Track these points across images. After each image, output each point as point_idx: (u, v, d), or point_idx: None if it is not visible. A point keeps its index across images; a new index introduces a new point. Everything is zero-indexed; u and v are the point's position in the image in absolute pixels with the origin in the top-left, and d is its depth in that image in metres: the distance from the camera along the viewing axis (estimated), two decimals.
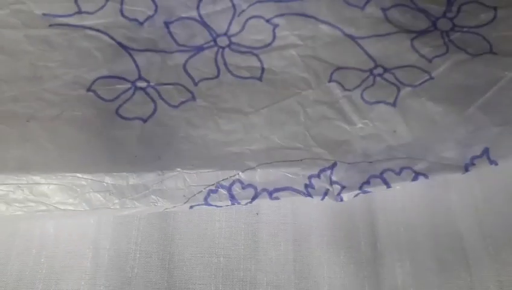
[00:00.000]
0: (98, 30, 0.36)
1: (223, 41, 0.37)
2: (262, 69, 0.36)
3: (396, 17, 0.38)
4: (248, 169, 0.31)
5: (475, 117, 0.32)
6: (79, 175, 0.30)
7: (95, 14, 0.37)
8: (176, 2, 0.38)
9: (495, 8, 0.38)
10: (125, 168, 0.30)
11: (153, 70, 0.35)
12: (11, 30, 0.35)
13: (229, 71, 0.36)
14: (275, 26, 0.38)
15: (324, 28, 0.38)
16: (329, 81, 0.35)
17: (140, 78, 0.35)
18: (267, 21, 0.38)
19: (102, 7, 0.37)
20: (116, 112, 0.33)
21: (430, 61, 0.35)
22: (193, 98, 0.34)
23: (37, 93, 0.33)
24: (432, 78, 0.35)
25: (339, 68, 0.36)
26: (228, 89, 0.35)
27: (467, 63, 0.35)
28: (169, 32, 0.37)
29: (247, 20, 0.38)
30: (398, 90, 0.34)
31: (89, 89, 0.34)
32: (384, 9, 0.38)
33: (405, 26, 0.38)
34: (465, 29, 0.37)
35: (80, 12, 0.37)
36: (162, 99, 0.34)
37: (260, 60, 0.36)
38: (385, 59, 0.36)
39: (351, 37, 0.37)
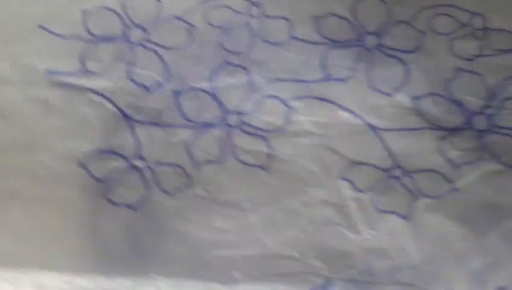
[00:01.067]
0: (102, 95, 0.34)
1: (233, 119, 0.35)
2: (271, 157, 0.33)
3: (428, 108, 0.34)
4: (232, 282, 0.28)
5: (496, 247, 0.28)
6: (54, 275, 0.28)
7: (100, 76, 0.35)
8: (189, 70, 0.36)
9: None
10: (102, 268, 0.28)
11: (153, 147, 0.34)
12: (9, 87, 0.34)
13: (235, 155, 0.34)
14: (291, 109, 0.35)
15: (344, 115, 0.35)
16: (340, 177, 0.32)
17: (138, 155, 0.33)
18: (284, 103, 0.35)
19: (109, 68, 0.35)
20: (105, 195, 0.31)
21: (457, 168, 0.31)
22: (191, 185, 0.32)
23: (26, 166, 0.32)
24: (455, 190, 0.31)
25: (353, 163, 0.33)
26: (230, 177, 0.33)
27: (499, 175, 0.31)
28: (178, 104, 0.35)
29: (262, 98, 0.35)
30: (414, 200, 0.31)
31: (80, 164, 0.32)
32: (415, 99, 0.34)
33: (435, 121, 0.33)
34: (503, 131, 0.32)
35: (84, 71, 0.35)
36: (157, 184, 0.32)
37: (269, 146, 0.34)
38: (406, 158, 0.33)
39: (373, 128, 0.34)
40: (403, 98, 0.35)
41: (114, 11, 0.36)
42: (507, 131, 0.32)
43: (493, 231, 0.29)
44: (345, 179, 0.32)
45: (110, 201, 0.31)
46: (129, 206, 0.31)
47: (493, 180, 0.30)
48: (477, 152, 0.32)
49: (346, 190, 0.32)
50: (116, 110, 0.34)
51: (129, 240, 0.30)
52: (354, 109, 0.35)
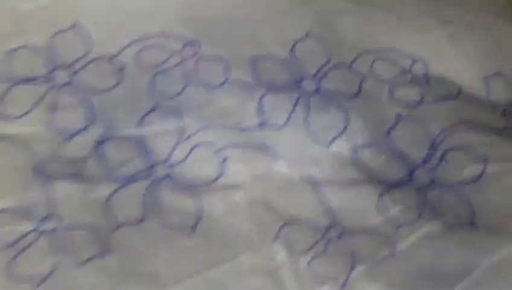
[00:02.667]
0: (15, 143, 0.30)
1: (160, 171, 0.31)
2: (198, 216, 0.30)
3: (367, 159, 0.32)
4: None
5: None
6: None
7: (17, 121, 0.31)
8: (116, 115, 0.32)
9: (485, 161, 0.31)
10: None
11: (67, 207, 0.29)
12: None
13: (158, 214, 0.30)
14: (224, 159, 0.32)
15: (281, 165, 0.32)
16: (275, 239, 0.29)
17: (49, 216, 0.29)
18: (217, 151, 0.32)
19: (27, 113, 0.31)
20: (7, 267, 0.27)
21: (396, 228, 0.29)
22: (104, 252, 0.29)
23: None
24: (394, 255, 0.28)
25: (289, 223, 0.30)
26: (149, 242, 0.29)
27: (440, 238, 0.29)
28: (100, 154, 0.31)
29: (194, 147, 0.32)
30: (352, 266, 0.28)
31: None
32: (354, 149, 0.32)
33: (375, 174, 0.31)
34: (445, 186, 0.30)
35: (3, 116, 0.31)
36: (67, 251, 0.28)
37: (197, 203, 0.30)
38: (345, 216, 0.30)
39: (310, 181, 0.31)
40: (341, 148, 0.32)
41: (40, 51, 0.33)
42: (448, 186, 0.31)
43: None
44: (278, 241, 0.29)
45: (11, 275, 0.27)
46: (32, 281, 0.27)
47: (432, 244, 0.29)
48: (418, 210, 0.30)
49: (280, 254, 0.29)
50: (30, 162, 0.30)
51: None
52: (290, 159, 0.32)
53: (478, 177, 0.31)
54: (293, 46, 0.35)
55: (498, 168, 0.30)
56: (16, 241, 0.28)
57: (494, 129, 0.32)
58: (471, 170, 0.31)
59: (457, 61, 0.35)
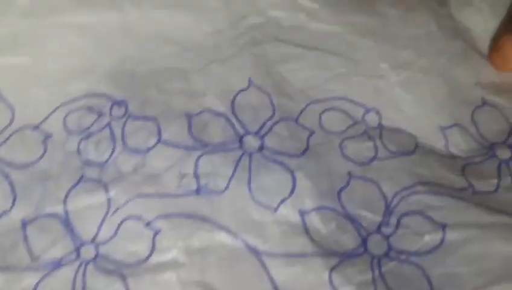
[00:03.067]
0: None
1: (88, 252, 0.28)
2: None
3: (317, 226, 0.29)
4: None
5: None
6: None
7: None
8: (40, 191, 0.29)
9: (444, 227, 0.28)
10: None
11: None
12: None
13: None
14: (156, 231, 0.28)
15: (221, 236, 0.28)
16: None
17: None
18: (147, 224, 0.28)
19: None
20: None
21: None
22: None
23: None
24: None
25: None
26: None
27: None
28: (25, 237, 0.28)
29: (122, 221, 0.28)
30: None
31: None
32: (302, 213, 0.28)
33: (326, 244, 0.28)
34: (403, 257, 0.27)
35: None
36: None
37: (127, 288, 0.26)
38: None
39: (255, 252, 0.28)
40: (289, 213, 0.29)
41: None
42: (405, 257, 0.28)
43: None
44: None
45: None
46: None
47: None
48: (372, 287, 0.27)
49: None
50: None
51: None
52: (232, 227, 0.28)
53: (437, 246, 0.28)
54: (234, 98, 0.31)
55: (458, 235, 0.28)
56: None
57: (454, 190, 0.29)
58: (429, 238, 0.28)
59: (412, 109, 0.32)
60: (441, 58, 0.34)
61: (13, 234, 0.28)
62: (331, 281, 0.27)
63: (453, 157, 0.31)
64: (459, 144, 0.31)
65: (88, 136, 0.31)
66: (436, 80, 0.33)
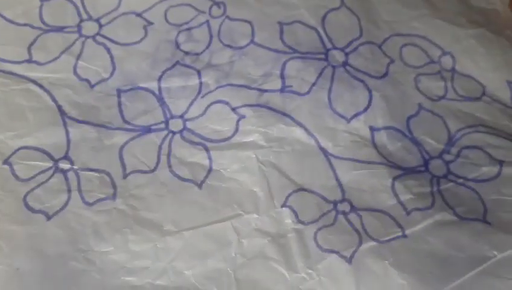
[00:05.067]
0: (41, 86, 0.31)
1: (176, 124, 0.30)
2: (209, 171, 0.29)
3: (385, 143, 0.31)
4: None
5: None
6: None
7: (45, 66, 0.31)
8: (138, 68, 0.32)
9: (501, 163, 0.30)
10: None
11: (83, 149, 0.29)
12: None
13: (169, 166, 0.29)
14: (241, 117, 0.31)
15: (298, 132, 0.31)
16: (283, 205, 0.28)
17: (66, 156, 0.29)
18: (233, 109, 0.31)
19: (55, 59, 0.32)
20: (24, 198, 0.27)
21: (408, 213, 0.28)
22: (114, 195, 0.28)
23: None
24: (404, 236, 0.27)
25: (299, 190, 0.28)
26: (158, 192, 0.28)
27: (452, 227, 0.28)
28: (119, 103, 0.31)
29: (211, 104, 0.31)
30: (360, 242, 0.27)
31: (6, 161, 0.28)
32: (372, 129, 0.31)
33: (391, 158, 0.30)
34: (460, 181, 0.30)
35: (29, 61, 0.31)
36: (79, 191, 0.28)
37: (210, 158, 0.29)
38: (356, 193, 0.29)
39: (325, 152, 0.30)
40: (360, 126, 0.31)
41: (72, 2, 0.33)
42: (462, 181, 0.30)
43: (443, 285, 0.26)
44: (287, 206, 0.28)
45: (26, 205, 0.27)
46: (44, 213, 0.27)
47: (444, 231, 0.28)
48: (430, 199, 0.29)
49: (287, 220, 0.28)
50: (54, 104, 0.30)
51: (30, 256, 0.26)
52: (308, 127, 0.31)
53: (493, 177, 0.30)
54: (325, 15, 0.34)
55: None
56: (34, 177, 0.28)
57: None
58: (487, 169, 0.30)
59: (483, 61, 0.34)
60: (507, 30, 0.36)
61: (108, 100, 0.31)
62: (393, 188, 0.29)
63: None
64: None
65: (186, 30, 0.33)
66: (505, 43, 0.35)
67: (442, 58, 0.34)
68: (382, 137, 0.31)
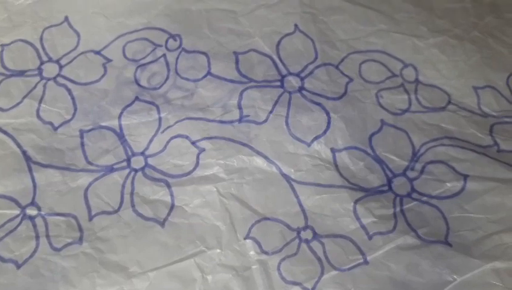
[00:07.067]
0: (5, 132, 0.31)
1: (138, 162, 0.31)
2: (171, 207, 0.29)
3: (347, 163, 0.30)
4: None
5: None
6: None
7: (8, 112, 0.32)
8: (98, 107, 0.32)
9: (465, 177, 0.30)
10: None
11: (49, 194, 0.29)
12: None
13: (133, 205, 0.29)
14: (201, 150, 0.31)
15: (258, 161, 0.31)
16: (246, 236, 0.28)
17: (32, 203, 0.29)
18: (193, 143, 0.31)
19: (18, 104, 0.32)
20: None
21: (370, 237, 0.28)
22: (80, 239, 0.28)
23: None
24: (366, 262, 0.27)
25: (262, 219, 0.29)
26: (122, 233, 0.29)
27: (413, 251, 0.28)
28: (82, 144, 0.31)
29: (171, 139, 0.31)
30: (322, 272, 0.27)
31: None
32: (334, 151, 0.31)
33: (353, 180, 0.30)
34: (424, 199, 0.30)
35: None
36: (47, 236, 0.28)
37: (172, 194, 0.29)
38: (319, 219, 0.29)
39: (287, 179, 0.30)
40: (321, 149, 0.31)
41: (32, 45, 0.34)
42: (426, 199, 0.30)
43: None
44: (250, 237, 0.28)
45: None
46: (14, 262, 0.27)
47: (405, 256, 0.28)
48: (393, 221, 0.29)
49: (251, 251, 0.28)
50: (19, 150, 0.31)
51: None
52: (268, 155, 0.31)
53: (457, 193, 0.30)
54: (279, 41, 0.33)
55: (478, 185, 0.30)
56: (3, 225, 0.28)
57: (478, 147, 0.31)
58: (450, 185, 0.30)
59: (447, 69, 0.34)
60: (474, 31, 0.35)
61: (72, 141, 0.31)
62: (355, 211, 0.29)
63: (483, 115, 0.32)
64: (491, 104, 0.33)
65: (144, 65, 0.33)
66: (469, 47, 0.34)
67: (404, 70, 0.33)
68: (344, 158, 0.31)
